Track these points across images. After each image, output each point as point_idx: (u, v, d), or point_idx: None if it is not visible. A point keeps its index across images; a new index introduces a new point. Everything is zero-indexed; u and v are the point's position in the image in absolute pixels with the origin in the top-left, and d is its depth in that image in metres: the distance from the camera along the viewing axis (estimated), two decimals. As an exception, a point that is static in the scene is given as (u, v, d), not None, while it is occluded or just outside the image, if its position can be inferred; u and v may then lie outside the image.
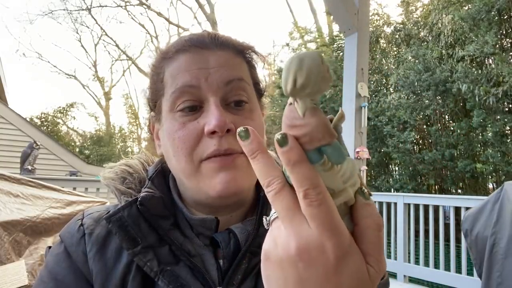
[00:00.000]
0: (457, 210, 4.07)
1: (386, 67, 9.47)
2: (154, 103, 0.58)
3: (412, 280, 4.29)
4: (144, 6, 18.58)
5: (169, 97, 0.53)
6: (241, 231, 0.55)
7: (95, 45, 22.38)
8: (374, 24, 9.78)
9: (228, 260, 0.53)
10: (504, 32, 7.68)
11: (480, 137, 7.68)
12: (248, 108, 0.54)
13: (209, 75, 0.52)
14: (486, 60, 7.52)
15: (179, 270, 0.51)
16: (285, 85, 0.28)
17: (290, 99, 0.30)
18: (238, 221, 0.58)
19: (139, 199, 0.54)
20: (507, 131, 7.24)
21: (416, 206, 4.37)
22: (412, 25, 9.35)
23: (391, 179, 9.19)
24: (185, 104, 0.52)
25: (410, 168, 8.44)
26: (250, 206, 0.60)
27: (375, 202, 5.02)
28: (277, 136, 0.29)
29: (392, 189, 8.54)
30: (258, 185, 0.61)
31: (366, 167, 3.49)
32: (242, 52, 0.58)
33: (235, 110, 0.53)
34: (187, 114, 0.52)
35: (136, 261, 0.51)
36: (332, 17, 9.54)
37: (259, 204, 0.57)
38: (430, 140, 8.58)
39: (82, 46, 21.55)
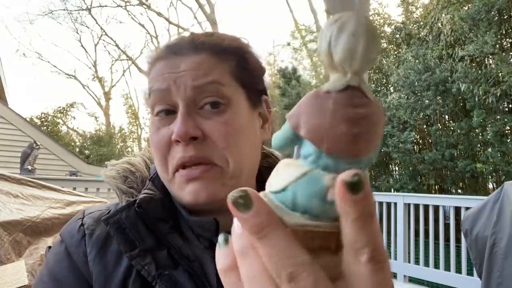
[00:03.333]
0: (457, 210, 4.07)
1: (386, 67, 9.46)
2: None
3: (412, 280, 4.29)
4: (144, 6, 18.55)
5: (150, 102, 0.55)
6: None
7: (95, 45, 22.19)
8: (374, 24, 9.76)
9: None
10: (503, 32, 7.67)
11: (480, 137, 7.67)
12: (228, 111, 0.52)
13: (177, 78, 0.52)
14: (485, 60, 7.52)
15: (177, 275, 0.50)
16: (348, 54, 0.21)
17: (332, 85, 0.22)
18: None
19: (137, 201, 0.54)
20: (507, 131, 7.23)
21: (416, 206, 4.37)
22: (412, 25, 9.35)
23: (391, 179, 9.17)
24: (159, 107, 0.53)
25: (410, 168, 8.43)
26: None
27: (375, 202, 5.00)
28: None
29: (392, 189, 8.52)
30: (258, 184, 0.60)
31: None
32: (224, 52, 0.55)
33: (210, 113, 0.51)
34: (163, 118, 0.53)
35: (134, 265, 0.51)
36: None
37: None
38: (430, 140, 8.57)
39: (82, 46, 21.41)
